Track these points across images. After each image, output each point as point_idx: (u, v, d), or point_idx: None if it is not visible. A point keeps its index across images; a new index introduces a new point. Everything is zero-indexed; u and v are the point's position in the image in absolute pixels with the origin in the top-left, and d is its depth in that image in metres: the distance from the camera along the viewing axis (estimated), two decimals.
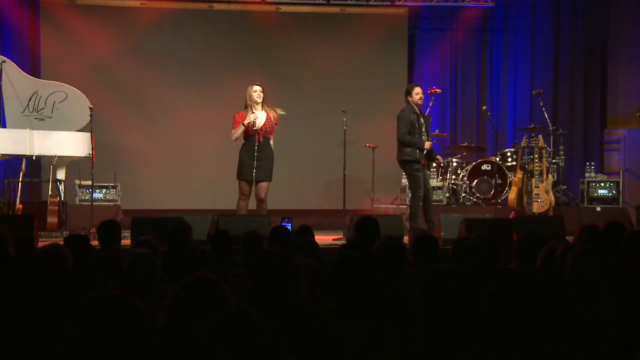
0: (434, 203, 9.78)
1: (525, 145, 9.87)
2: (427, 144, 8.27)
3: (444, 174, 10.36)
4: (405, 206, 10.04)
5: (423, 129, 8.31)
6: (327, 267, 4.64)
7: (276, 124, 8.22)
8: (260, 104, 8.11)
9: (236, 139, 8.13)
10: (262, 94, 8.11)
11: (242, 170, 8.09)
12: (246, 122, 7.99)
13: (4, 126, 9.59)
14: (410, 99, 8.29)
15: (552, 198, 9.58)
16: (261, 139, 8.07)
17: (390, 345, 2.72)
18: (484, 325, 2.38)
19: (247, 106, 8.11)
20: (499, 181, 9.92)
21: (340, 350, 1.72)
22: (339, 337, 1.72)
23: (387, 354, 2.68)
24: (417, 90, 8.33)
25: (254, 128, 8.02)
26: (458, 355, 2.56)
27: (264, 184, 8.10)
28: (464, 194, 10.23)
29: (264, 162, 8.09)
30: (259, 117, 8.08)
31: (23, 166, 9.06)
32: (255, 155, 8.06)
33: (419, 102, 8.29)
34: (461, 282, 2.84)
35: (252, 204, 8.28)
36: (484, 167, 10.30)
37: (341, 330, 2.47)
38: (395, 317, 2.88)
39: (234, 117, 8.14)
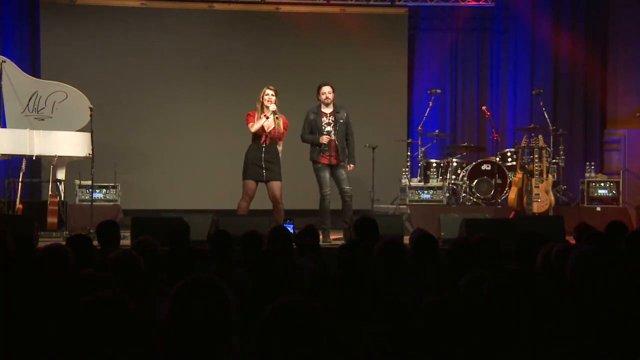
0: (433, 203, 9.81)
1: (525, 145, 9.86)
2: (323, 138, 8.22)
3: (444, 174, 10.35)
4: (405, 206, 10.03)
5: (330, 128, 8.28)
6: (326, 269, 4.65)
7: (285, 130, 8.20)
8: (269, 108, 8.04)
9: (255, 131, 8.03)
10: (274, 97, 8.06)
11: (249, 170, 8.07)
12: (267, 117, 7.95)
13: (4, 126, 9.58)
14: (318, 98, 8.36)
15: (552, 198, 9.57)
16: (268, 142, 8.06)
17: (391, 346, 2.72)
18: (482, 326, 2.38)
19: (257, 108, 8.08)
20: (499, 181, 9.91)
21: (342, 351, 1.72)
22: (340, 337, 1.72)
23: (388, 355, 2.68)
24: (322, 89, 8.37)
25: (269, 120, 7.97)
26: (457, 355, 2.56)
27: (276, 184, 8.11)
28: (463, 194, 10.22)
29: (271, 163, 8.10)
30: (270, 121, 8.04)
31: (23, 166, 9.04)
32: (262, 156, 8.05)
33: (325, 101, 8.32)
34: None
35: (253, 205, 8.27)
36: (484, 167, 10.28)
37: (343, 330, 2.47)
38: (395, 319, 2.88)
39: (247, 113, 8.10)
